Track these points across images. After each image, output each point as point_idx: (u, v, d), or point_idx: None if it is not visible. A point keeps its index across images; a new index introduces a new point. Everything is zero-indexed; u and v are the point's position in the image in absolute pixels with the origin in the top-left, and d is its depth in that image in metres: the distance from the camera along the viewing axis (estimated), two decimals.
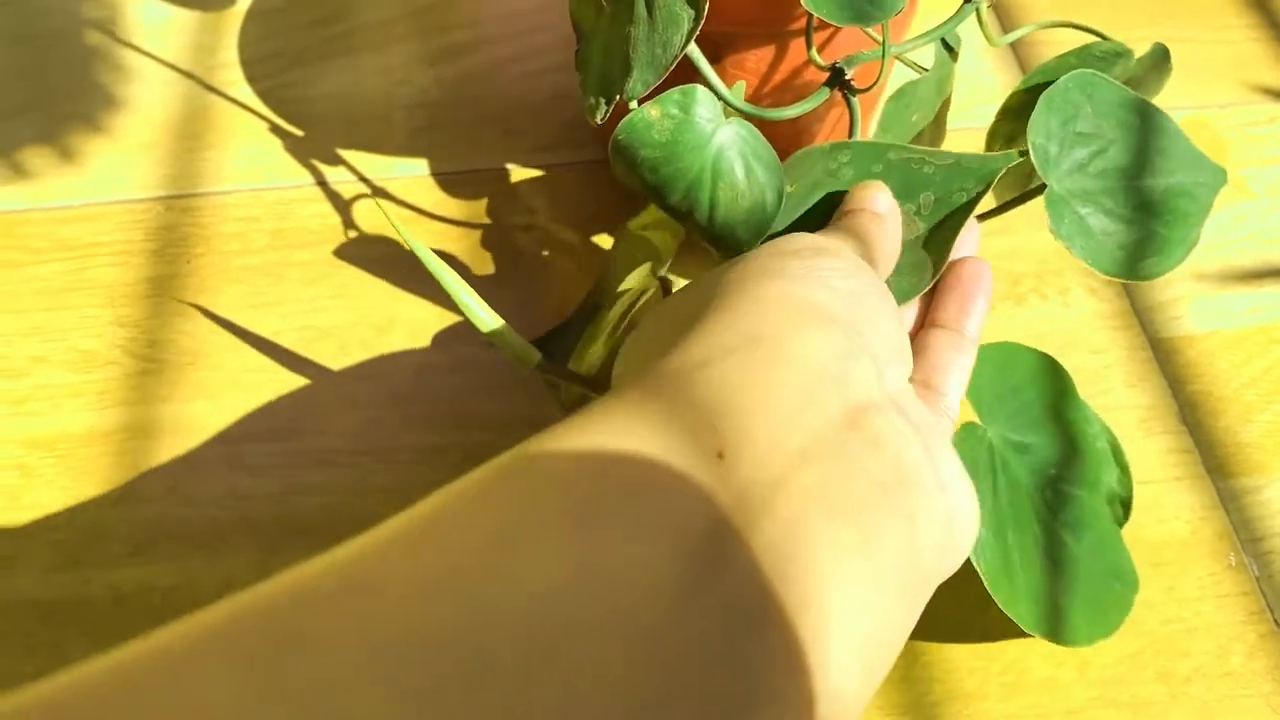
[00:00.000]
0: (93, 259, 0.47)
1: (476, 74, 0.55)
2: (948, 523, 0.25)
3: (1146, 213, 0.34)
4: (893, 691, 0.36)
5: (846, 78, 0.36)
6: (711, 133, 0.32)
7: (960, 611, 0.38)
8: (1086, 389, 0.43)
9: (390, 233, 0.48)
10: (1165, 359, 0.44)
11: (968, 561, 0.38)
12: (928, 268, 0.31)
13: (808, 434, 0.23)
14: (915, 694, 0.36)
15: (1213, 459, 0.41)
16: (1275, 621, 0.37)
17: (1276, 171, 0.50)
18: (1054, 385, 0.37)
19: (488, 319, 0.34)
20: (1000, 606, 0.33)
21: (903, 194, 0.32)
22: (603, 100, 0.35)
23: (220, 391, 0.43)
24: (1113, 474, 0.37)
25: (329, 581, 0.19)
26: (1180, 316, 0.45)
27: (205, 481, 0.41)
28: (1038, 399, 0.36)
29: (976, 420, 0.34)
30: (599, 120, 0.36)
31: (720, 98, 0.34)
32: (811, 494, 0.22)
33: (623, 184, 0.34)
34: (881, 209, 0.31)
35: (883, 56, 0.35)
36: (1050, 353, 0.44)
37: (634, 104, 0.34)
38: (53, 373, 0.44)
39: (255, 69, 0.55)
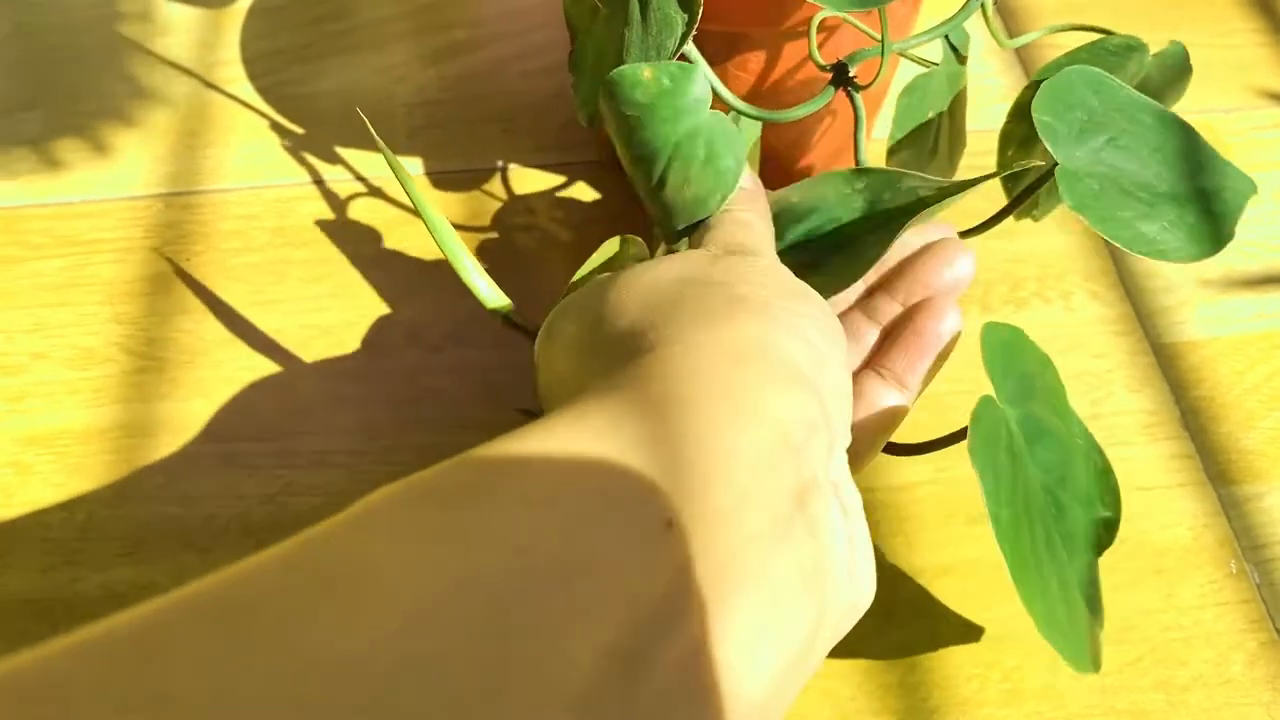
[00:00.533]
0: (93, 255, 0.47)
1: (477, 72, 0.54)
2: (849, 609, 0.24)
3: (1170, 201, 0.32)
4: (890, 697, 0.36)
5: (850, 75, 0.36)
6: (693, 111, 0.31)
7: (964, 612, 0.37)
8: (1089, 393, 0.43)
9: (387, 232, 0.48)
10: (1168, 364, 0.44)
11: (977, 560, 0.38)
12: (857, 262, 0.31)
13: (760, 513, 0.22)
14: (914, 700, 0.36)
15: (1214, 465, 0.41)
16: (1276, 630, 0.37)
17: None
18: (1057, 388, 0.36)
19: (483, 285, 0.33)
20: (1020, 597, 0.31)
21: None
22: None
23: (218, 390, 0.43)
24: (1102, 495, 0.36)
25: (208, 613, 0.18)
26: (1183, 322, 0.45)
27: (201, 480, 0.40)
28: (1044, 394, 0.35)
29: (993, 395, 0.32)
30: (589, 122, 0.35)
31: (720, 97, 0.34)
32: (745, 581, 0.21)
33: (619, 168, 0.33)
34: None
35: (883, 52, 0.35)
36: (1052, 357, 0.44)
37: None
38: (51, 369, 0.44)
39: (256, 66, 0.55)
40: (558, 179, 0.50)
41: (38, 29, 0.57)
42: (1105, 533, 0.36)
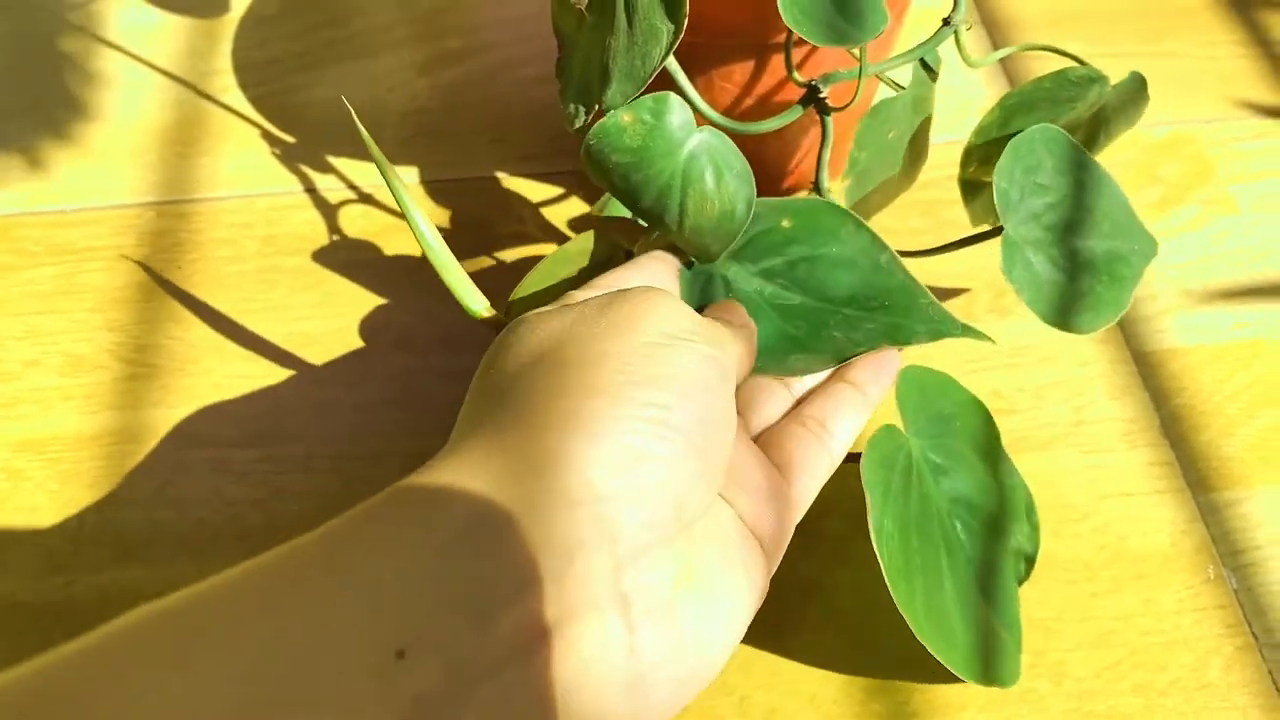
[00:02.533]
0: (85, 264, 0.48)
1: (468, 82, 0.55)
2: (635, 713, 0.24)
3: (1086, 270, 0.35)
4: (872, 701, 0.36)
5: (821, 96, 0.36)
6: (683, 140, 0.32)
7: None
8: (1071, 401, 0.43)
9: (378, 239, 0.48)
10: (1149, 372, 0.44)
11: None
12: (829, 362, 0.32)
13: (503, 641, 0.22)
14: (895, 703, 0.36)
15: (1194, 472, 0.41)
16: (1253, 634, 0.38)
17: (1261, 187, 0.50)
18: (982, 428, 0.37)
19: (448, 262, 0.33)
20: (896, 603, 0.33)
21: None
22: (581, 109, 0.35)
23: (208, 396, 0.43)
24: (1023, 530, 0.38)
25: None
26: (1164, 330, 0.45)
27: (192, 486, 0.41)
28: (964, 434, 0.36)
29: (900, 426, 0.35)
30: (576, 129, 0.36)
31: (696, 110, 0.34)
32: (474, 705, 0.21)
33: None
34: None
35: (859, 76, 0.35)
36: (1034, 365, 0.44)
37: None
38: (43, 376, 0.44)
39: (248, 75, 0.55)
40: (547, 188, 0.50)
41: (30, 36, 0.57)
42: (1025, 565, 0.38)
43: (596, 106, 0.34)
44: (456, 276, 0.31)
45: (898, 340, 0.32)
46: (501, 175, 0.51)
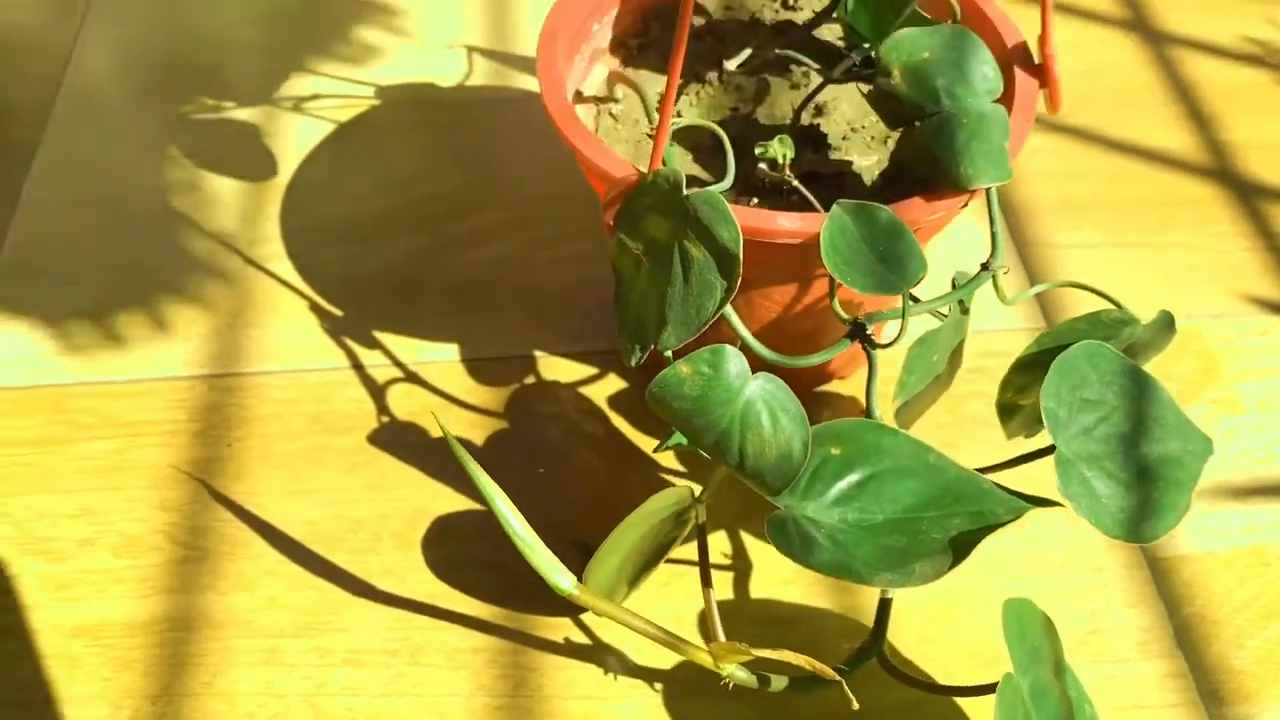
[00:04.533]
0: (139, 438, 0.49)
1: (507, 257, 0.57)
2: None
3: (1144, 478, 0.36)
4: None
5: (868, 332, 0.38)
6: (740, 388, 0.35)
7: None
8: (1088, 607, 0.45)
9: (423, 420, 0.50)
10: (1162, 579, 0.46)
11: None
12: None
13: None
14: None
15: (1207, 685, 0.43)
16: None
17: (1268, 385, 0.53)
18: (1055, 649, 0.39)
19: (531, 542, 0.35)
20: None
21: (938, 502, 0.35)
22: (637, 346, 0.38)
23: (257, 582, 0.45)
24: None
25: None
26: (1176, 535, 0.47)
27: (243, 678, 0.42)
28: (1047, 661, 0.38)
29: (1011, 671, 0.36)
30: (632, 364, 0.38)
31: (747, 348, 0.37)
32: None
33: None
34: None
35: (903, 315, 0.38)
36: (1051, 570, 0.46)
37: (667, 353, 0.37)
38: (98, 557, 0.46)
39: (295, 243, 0.57)
40: (585, 368, 0.52)
41: (91, 199, 0.59)
42: None
43: (653, 346, 0.37)
44: (542, 557, 0.32)
45: (989, 523, 0.34)
46: (539, 354, 0.53)
